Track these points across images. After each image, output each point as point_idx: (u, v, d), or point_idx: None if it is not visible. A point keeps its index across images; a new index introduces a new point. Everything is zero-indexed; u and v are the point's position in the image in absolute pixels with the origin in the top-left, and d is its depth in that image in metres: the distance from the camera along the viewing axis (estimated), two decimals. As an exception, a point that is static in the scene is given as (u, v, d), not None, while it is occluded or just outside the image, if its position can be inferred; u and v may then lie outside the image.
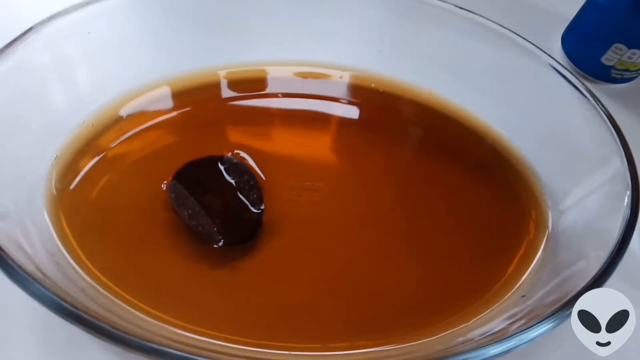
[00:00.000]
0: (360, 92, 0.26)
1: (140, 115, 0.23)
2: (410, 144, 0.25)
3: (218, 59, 0.25)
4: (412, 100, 0.26)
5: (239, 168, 0.22)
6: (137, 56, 0.23)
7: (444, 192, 0.23)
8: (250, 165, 0.22)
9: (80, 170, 0.21)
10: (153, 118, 0.23)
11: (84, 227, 0.20)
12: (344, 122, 0.25)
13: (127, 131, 0.23)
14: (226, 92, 0.25)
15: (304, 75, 0.26)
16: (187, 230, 0.20)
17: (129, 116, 0.23)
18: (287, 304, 0.19)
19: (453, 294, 0.20)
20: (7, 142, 0.19)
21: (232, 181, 0.21)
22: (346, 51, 0.26)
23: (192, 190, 0.21)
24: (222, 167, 0.22)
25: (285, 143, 0.25)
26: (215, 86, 0.25)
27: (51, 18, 0.21)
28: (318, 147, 0.25)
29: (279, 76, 0.26)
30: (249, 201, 0.21)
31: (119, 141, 0.22)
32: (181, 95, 0.24)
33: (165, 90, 0.24)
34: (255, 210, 0.21)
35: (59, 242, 0.19)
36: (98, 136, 0.22)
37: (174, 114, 0.24)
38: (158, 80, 0.24)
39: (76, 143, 0.21)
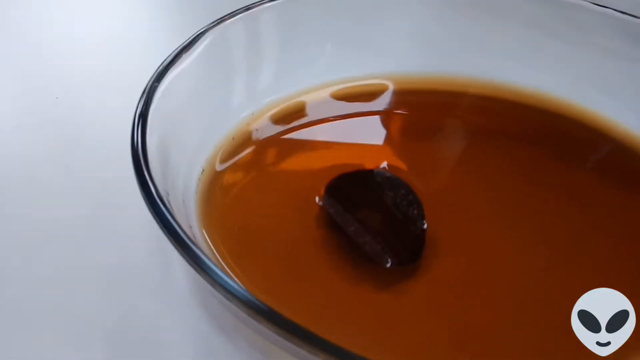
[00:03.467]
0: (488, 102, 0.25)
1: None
2: (560, 156, 0.24)
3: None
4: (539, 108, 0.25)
5: (393, 182, 0.20)
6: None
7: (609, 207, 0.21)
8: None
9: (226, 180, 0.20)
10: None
11: (237, 247, 0.19)
12: (483, 133, 0.24)
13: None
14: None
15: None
16: (346, 249, 0.19)
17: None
18: (462, 326, 0.17)
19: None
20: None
21: (390, 196, 0.20)
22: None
23: (347, 205, 0.19)
24: (375, 181, 0.20)
25: (424, 157, 0.24)
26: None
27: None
28: (464, 161, 0.23)
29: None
30: (410, 217, 0.19)
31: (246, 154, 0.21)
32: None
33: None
34: (418, 227, 0.19)
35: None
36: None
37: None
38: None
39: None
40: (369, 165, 0.21)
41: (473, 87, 0.25)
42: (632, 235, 0.20)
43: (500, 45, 0.25)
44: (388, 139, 0.24)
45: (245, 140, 0.21)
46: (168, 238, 0.13)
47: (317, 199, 0.19)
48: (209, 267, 0.13)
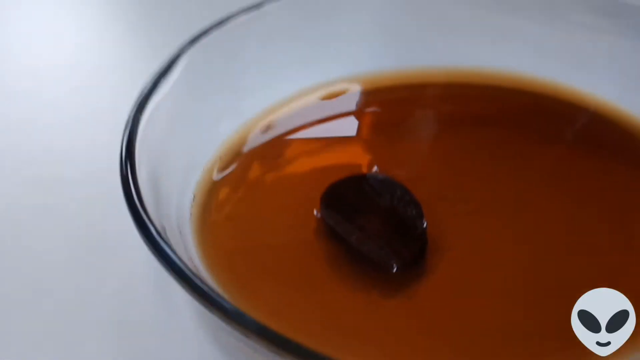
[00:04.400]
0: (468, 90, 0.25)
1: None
2: (547, 137, 0.24)
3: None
4: (523, 91, 0.25)
5: (388, 184, 0.20)
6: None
7: (605, 188, 0.21)
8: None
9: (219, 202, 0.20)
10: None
11: (239, 271, 0.18)
12: (465, 121, 0.24)
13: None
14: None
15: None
16: (350, 258, 0.18)
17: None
18: (475, 324, 0.17)
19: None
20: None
21: (386, 198, 0.20)
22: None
23: (345, 214, 0.19)
24: (370, 185, 0.20)
25: (411, 153, 0.23)
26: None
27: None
28: (452, 153, 0.22)
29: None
30: (408, 218, 0.19)
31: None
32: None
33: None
34: (418, 227, 0.19)
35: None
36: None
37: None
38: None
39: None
40: (359, 168, 0.21)
41: (443, 76, 0.25)
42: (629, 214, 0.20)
43: (465, 30, 0.25)
44: (370, 140, 0.23)
45: (232, 158, 0.21)
46: (174, 277, 0.13)
47: (315, 212, 0.19)
48: (219, 303, 0.13)
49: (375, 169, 0.20)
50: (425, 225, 0.19)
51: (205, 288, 0.13)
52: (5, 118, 0.25)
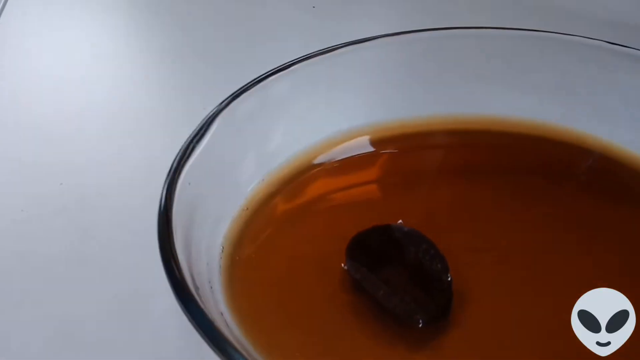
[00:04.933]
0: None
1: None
2: (566, 183, 0.24)
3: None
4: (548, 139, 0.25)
5: (413, 237, 0.20)
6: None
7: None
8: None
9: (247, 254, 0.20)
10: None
11: (268, 325, 0.19)
12: (482, 170, 0.24)
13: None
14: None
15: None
16: (375, 311, 0.19)
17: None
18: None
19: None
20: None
21: (411, 251, 0.20)
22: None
23: (370, 266, 0.19)
24: (394, 237, 0.20)
25: (432, 204, 0.24)
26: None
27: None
28: (472, 203, 0.23)
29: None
30: (434, 272, 0.19)
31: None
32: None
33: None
34: (443, 282, 0.19)
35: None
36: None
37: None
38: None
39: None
40: (383, 220, 0.21)
41: (457, 124, 0.25)
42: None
43: (468, 78, 0.26)
44: (391, 191, 0.24)
45: (258, 210, 0.22)
46: (209, 345, 0.13)
47: (342, 264, 0.19)
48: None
49: (400, 221, 0.21)
50: (450, 279, 0.19)
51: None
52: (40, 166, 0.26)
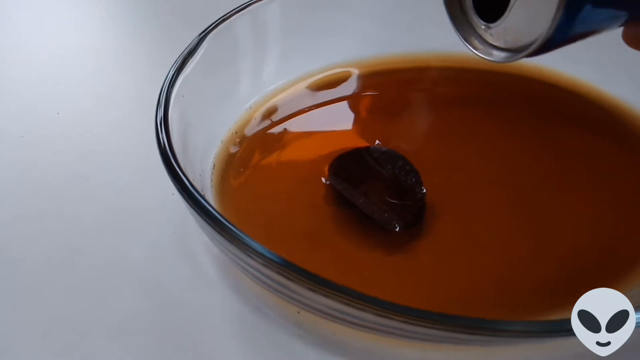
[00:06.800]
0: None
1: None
2: (534, 116, 0.26)
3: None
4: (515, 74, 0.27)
5: (390, 155, 0.22)
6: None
7: (584, 162, 0.23)
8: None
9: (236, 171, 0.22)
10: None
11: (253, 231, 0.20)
12: (458, 102, 0.26)
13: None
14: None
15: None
16: (356, 220, 0.20)
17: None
18: (469, 277, 0.19)
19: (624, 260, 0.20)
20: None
21: (388, 168, 0.21)
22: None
23: (351, 182, 0.21)
24: (373, 157, 0.22)
25: (409, 130, 0.25)
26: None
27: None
28: (447, 129, 0.25)
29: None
30: (409, 185, 0.21)
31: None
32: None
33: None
34: (417, 193, 0.21)
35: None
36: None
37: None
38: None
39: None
40: (362, 143, 0.23)
41: (438, 61, 0.27)
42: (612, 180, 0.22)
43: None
44: (371, 118, 0.25)
45: (245, 134, 0.23)
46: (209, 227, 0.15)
47: (323, 179, 0.21)
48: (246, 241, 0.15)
49: (377, 142, 0.22)
50: (424, 191, 0.21)
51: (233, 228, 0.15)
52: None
